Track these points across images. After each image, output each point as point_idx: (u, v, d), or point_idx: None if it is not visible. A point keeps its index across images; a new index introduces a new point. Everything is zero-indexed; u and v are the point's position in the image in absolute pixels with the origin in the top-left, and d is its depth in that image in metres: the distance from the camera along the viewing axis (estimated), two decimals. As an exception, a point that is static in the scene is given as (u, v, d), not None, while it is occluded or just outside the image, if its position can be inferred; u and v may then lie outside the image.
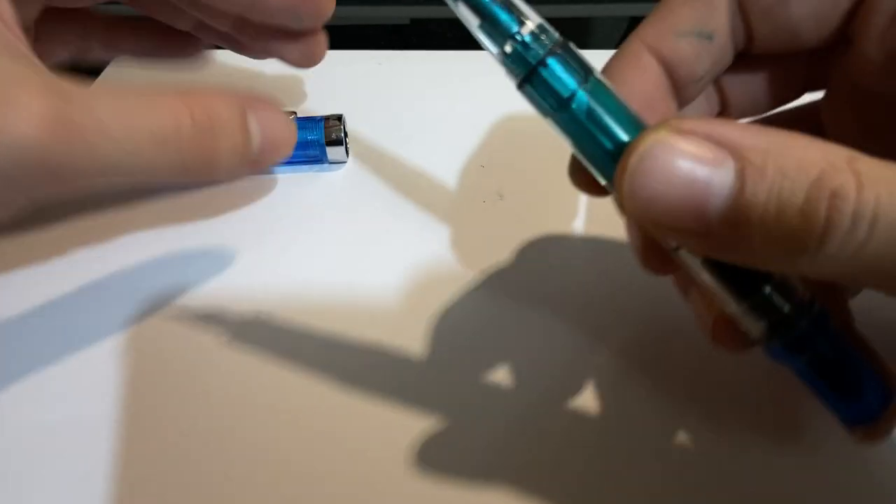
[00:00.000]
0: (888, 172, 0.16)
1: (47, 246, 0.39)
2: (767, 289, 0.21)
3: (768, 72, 0.27)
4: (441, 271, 0.37)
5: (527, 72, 0.20)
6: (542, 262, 0.37)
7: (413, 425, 0.31)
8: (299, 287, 0.37)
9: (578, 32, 0.65)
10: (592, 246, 0.38)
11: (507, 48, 0.20)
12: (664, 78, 0.24)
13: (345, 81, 0.50)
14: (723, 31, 0.24)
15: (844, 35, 0.24)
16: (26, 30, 0.25)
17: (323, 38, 0.39)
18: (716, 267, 0.20)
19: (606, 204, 0.38)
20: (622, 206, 0.19)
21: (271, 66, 0.52)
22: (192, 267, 0.38)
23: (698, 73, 0.24)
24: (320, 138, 0.43)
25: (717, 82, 0.27)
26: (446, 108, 0.47)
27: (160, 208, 0.42)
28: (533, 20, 0.20)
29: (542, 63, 0.20)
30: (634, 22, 0.66)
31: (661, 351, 0.33)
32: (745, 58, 0.25)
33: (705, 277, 0.21)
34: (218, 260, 0.38)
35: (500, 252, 0.38)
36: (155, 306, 0.36)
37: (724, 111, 0.28)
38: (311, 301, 0.36)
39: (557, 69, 0.20)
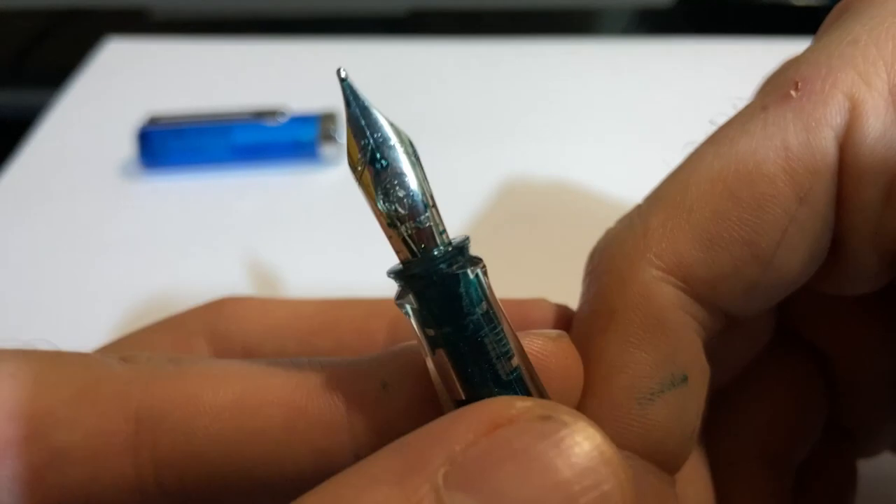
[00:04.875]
0: None
1: (40, 244, 0.39)
2: None
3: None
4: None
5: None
6: (545, 263, 0.36)
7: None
8: (295, 287, 0.35)
9: (583, 23, 0.63)
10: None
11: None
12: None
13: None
14: (698, 362, 0.18)
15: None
16: None
17: None
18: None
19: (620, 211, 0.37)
20: None
21: (263, 61, 0.51)
22: (186, 267, 0.37)
23: (692, 428, 0.18)
24: (314, 136, 0.42)
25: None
26: (446, 101, 0.46)
27: (155, 207, 0.41)
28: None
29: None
30: (640, 16, 0.65)
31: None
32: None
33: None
34: (211, 260, 0.37)
35: (503, 251, 0.36)
36: (149, 308, 0.35)
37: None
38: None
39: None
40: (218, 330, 0.21)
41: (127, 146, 0.43)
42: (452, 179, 0.41)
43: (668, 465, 0.17)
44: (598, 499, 0.12)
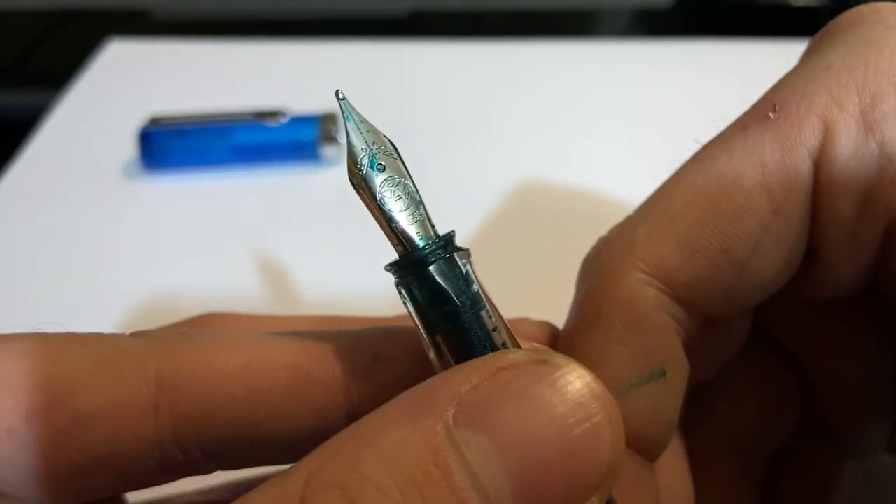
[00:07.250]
0: None
1: (42, 244, 0.39)
2: None
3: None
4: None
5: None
6: (543, 263, 0.36)
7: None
8: (295, 287, 0.36)
9: (583, 24, 0.64)
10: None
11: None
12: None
13: (341, 76, 0.49)
14: (676, 359, 0.19)
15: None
16: None
17: None
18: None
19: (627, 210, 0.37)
20: None
21: (264, 62, 0.51)
22: (187, 267, 0.37)
23: (670, 419, 0.19)
24: (315, 137, 0.42)
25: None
26: (446, 102, 0.46)
27: (156, 208, 0.41)
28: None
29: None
30: (639, 17, 0.65)
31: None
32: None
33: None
34: (212, 260, 0.37)
35: (504, 251, 0.37)
36: (150, 308, 0.35)
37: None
38: (308, 301, 0.35)
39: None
40: None
41: (128, 147, 0.43)
42: (452, 180, 0.41)
43: (647, 452, 0.19)
44: (589, 429, 0.14)
